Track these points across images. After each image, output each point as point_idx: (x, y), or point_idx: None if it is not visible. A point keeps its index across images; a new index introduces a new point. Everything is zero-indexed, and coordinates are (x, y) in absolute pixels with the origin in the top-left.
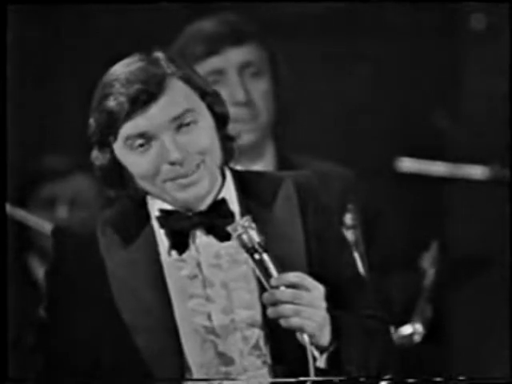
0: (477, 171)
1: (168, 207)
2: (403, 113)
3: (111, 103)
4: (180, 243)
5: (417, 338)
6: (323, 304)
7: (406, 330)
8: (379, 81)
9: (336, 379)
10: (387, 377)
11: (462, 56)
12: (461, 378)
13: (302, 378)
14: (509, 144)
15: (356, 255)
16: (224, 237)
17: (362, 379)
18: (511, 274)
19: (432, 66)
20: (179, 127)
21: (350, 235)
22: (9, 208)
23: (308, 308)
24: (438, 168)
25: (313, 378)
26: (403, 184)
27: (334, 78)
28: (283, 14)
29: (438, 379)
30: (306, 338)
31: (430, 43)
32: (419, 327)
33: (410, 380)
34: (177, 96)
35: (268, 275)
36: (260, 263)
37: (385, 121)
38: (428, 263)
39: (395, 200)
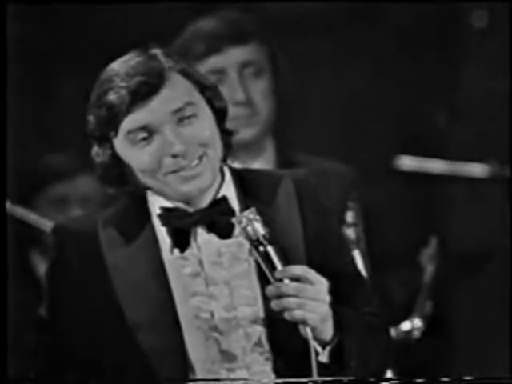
0: (476, 169)
1: (169, 205)
2: (403, 111)
3: (111, 97)
4: (182, 241)
5: (416, 334)
6: (327, 298)
7: (406, 325)
8: (379, 79)
9: (344, 379)
10: (390, 377)
11: (463, 54)
12: (461, 377)
13: (305, 379)
14: (508, 142)
15: (357, 253)
16: (225, 234)
17: (370, 379)
18: (511, 271)
19: (432, 64)
20: (181, 120)
21: (351, 233)
22: (9, 206)
23: (311, 301)
24: (437, 166)
25: (319, 378)
26: (403, 182)
27: (335, 76)
28: (284, 12)
29: (438, 379)
30: (308, 331)
31: (431, 41)
32: (419, 323)
33: (411, 380)
34: (177, 89)
35: (272, 268)
36: (264, 256)
37: (385, 119)
38: (427, 259)
39: (395, 198)
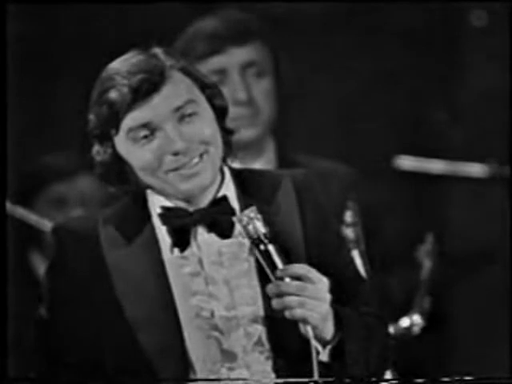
0: (476, 169)
1: (169, 204)
2: (402, 111)
3: (112, 95)
4: (182, 240)
5: (416, 330)
6: (327, 297)
7: (405, 322)
8: (380, 79)
9: (344, 380)
10: (390, 378)
11: (462, 53)
12: (461, 377)
13: (306, 379)
14: (508, 141)
15: (356, 253)
16: (225, 234)
17: (370, 379)
18: (511, 271)
19: (432, 64)
20: (182, 118)
21: (350, 233)
22: (9, 206)
23: (312, 300)
24: (437, 166)
25: (320, 378)
26: (402, 182)
27: (335, 76)
28: (286, 12)
29: (438, 379)
30: (309, 330)
31: (431, 41)
32: (418, 319)
33: (411, 380)
34: (178, 87)
35: (273, 266)
36: (265, 254)
37: (384, 119)
38: (424, 255)
39: (395, 198)
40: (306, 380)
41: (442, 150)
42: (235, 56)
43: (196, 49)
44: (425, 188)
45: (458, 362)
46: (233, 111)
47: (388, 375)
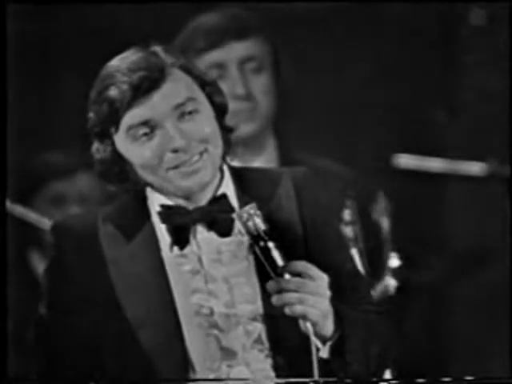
0: (475, 168)
1: (169, 202)
2: (402, 109)
3: (112, 92)
4: (181, 239)
5: (391, 291)
6: (327, 293)
7: (380, 286)
8: (379, 77)
9: (345, 380)
10: (390, 378)
11: (461, 52)
12: (461, 377)
13: (306, 379)
14: (507, 140)
15: (355, 251)
16: (225, 232)
17: (370, 380)
18: (511, 270)
19: (431, 62)
20: (182, 115)
21: (348, 231)
22: (8, 204)
23: (312, 296)
24: (436, 164)
25: (320, 378)
26: (401, 180)
27: (334, 74)
28: (286, 9)
29: (438, 379)
30: (309, 326)
31: (429, 39)
32: (390, 280)
33: (411, 380)
34: (178, 84)
35: (273, 263)
36: (265, 251)
37: (383, 117)
38: (379, 214)
39: (393, 196)
40: (306, 380)
41: (441, 148)
42: (234, 50)
43: (196, 43)
44: (424, 186)
45: (458, 361)
46: (231, 106)
47: (388, 375)
